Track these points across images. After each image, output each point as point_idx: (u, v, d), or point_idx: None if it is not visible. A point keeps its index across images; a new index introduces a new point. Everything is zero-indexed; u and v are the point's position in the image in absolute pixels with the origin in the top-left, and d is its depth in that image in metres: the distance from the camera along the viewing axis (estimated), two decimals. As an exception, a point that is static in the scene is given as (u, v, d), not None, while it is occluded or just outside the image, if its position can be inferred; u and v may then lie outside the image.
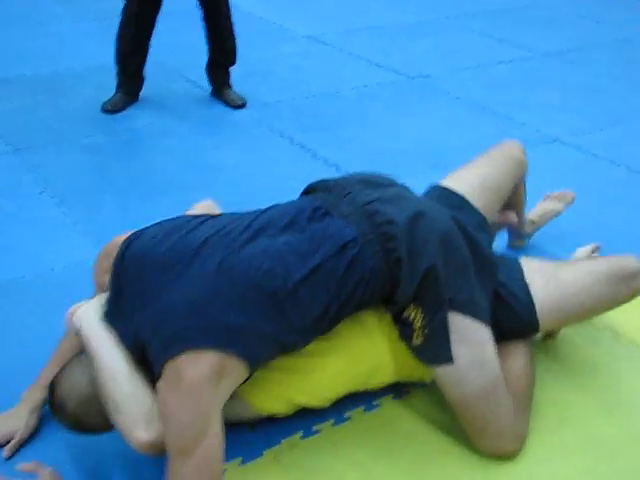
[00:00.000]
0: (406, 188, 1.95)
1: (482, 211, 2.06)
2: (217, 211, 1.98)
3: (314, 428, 1.88)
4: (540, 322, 1.91)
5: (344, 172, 3.27)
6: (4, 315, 2.33)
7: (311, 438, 1.86)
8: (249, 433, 1.86)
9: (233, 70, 4.05)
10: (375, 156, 3.45)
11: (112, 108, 3.85)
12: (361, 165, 3.26)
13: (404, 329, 1.77)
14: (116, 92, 3.93)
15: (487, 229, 2.07)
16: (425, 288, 1.73)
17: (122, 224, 2.03)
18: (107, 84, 4.21)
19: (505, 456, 1.80)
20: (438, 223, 1.80)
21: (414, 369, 1.85)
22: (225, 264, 1.60)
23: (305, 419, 1.88)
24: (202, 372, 1.51)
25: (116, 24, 3.77)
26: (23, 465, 1.70)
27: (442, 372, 1.75)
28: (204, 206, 2.02)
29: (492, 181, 2.15)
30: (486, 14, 5.73)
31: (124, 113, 3.88)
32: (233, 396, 1.65)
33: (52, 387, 1.67)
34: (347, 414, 1.93)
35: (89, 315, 1.68)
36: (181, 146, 3.60)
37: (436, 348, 1.74)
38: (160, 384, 1.54)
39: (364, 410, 1.95)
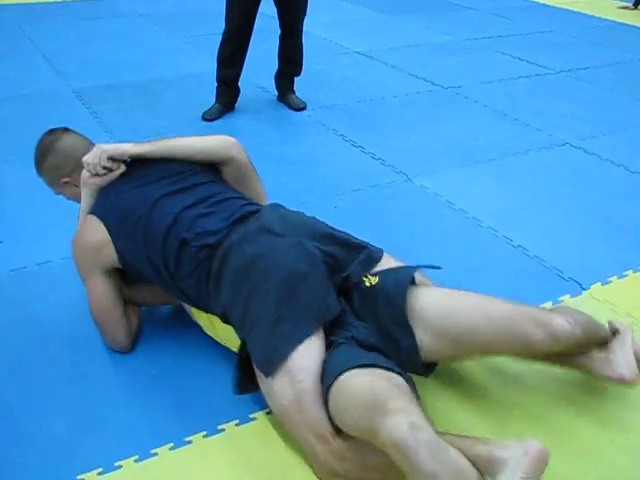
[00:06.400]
0: (313, 231, 1.87)
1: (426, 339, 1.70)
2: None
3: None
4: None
5: (388, 165, 3.34)
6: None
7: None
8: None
9: (296, 79, 4.15)
10: (413, 153, 3.50)
11: (209, 117, 3.89)
12: (401, 160, 3.40)
13: None
14: (214, 103, 3.97)
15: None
16: (231, 319, 1.77)
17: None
18: (191, 89, 4.34)
19: None
20: (259, 264, 1.71)
21: None
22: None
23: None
24: (93, 238, 1.94)
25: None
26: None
27: None
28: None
29: (464, 334, 1.67)
30: (507, 38, 5.75)
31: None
32: None
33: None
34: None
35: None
36: (253, 140, 3.62)
37: (248, 375, 1.73)
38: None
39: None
